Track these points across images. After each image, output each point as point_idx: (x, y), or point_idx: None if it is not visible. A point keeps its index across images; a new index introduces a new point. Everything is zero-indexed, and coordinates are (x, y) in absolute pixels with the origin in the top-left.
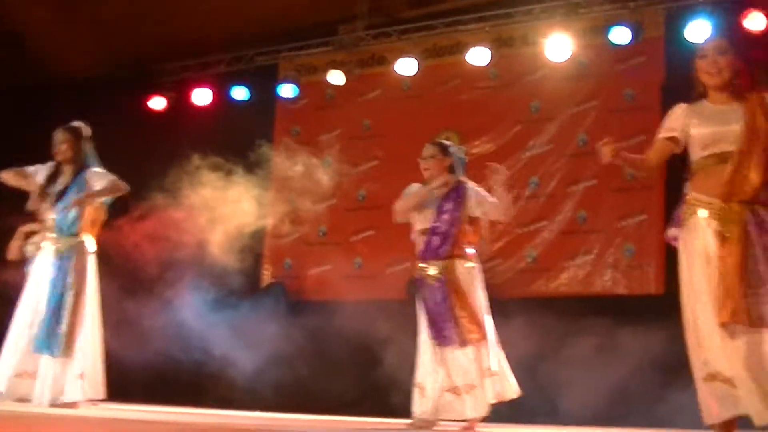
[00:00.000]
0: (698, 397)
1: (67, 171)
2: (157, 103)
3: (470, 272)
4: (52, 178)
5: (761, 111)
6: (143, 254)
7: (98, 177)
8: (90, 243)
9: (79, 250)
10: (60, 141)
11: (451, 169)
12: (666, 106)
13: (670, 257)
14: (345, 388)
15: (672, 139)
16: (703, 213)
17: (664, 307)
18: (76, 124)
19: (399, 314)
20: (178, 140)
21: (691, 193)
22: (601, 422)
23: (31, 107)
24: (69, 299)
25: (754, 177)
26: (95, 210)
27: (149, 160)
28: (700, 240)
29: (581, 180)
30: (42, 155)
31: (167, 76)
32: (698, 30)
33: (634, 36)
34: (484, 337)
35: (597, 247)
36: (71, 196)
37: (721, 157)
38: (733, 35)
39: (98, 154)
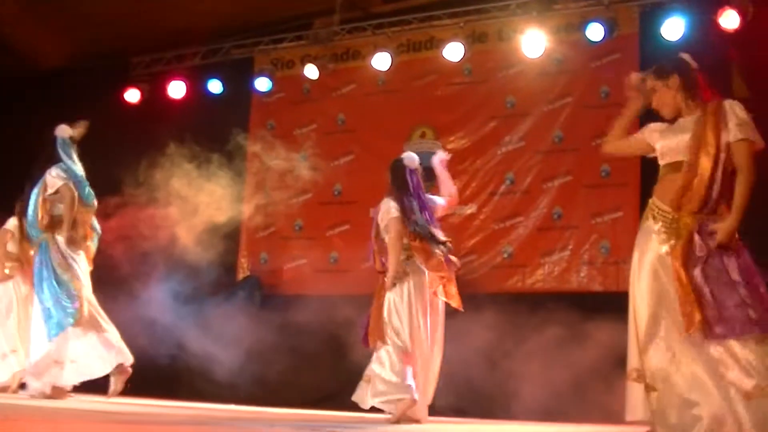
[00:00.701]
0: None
1: None
2: (132, 95)
3: (384, 287)
4: None
5: (712, 120)
6: (118, 248)
7: (51, 182)
8: (59, 237)
9: (51, 241)
10: None
11: (397, 181)
12: None
13: None
14: (322, 381)
15: (639, 138)
16: (655, 221)
17: None
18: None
19: None
20: (153, 133)
21: (653, 199)
22: (576, 418)
23: (5, 99)
24: (64, 279)
25: (702, 187)
26: (50, 208)
27: (124, 153)
28: (649, 248)
29: (556, 176)
30: (17, 146)
31: (142, 68)
32: (673, 27)
33: (609, 33)
34: (374, 344)
35: (572, 244)
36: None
37: (674, 167)
38: (707, 33)
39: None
